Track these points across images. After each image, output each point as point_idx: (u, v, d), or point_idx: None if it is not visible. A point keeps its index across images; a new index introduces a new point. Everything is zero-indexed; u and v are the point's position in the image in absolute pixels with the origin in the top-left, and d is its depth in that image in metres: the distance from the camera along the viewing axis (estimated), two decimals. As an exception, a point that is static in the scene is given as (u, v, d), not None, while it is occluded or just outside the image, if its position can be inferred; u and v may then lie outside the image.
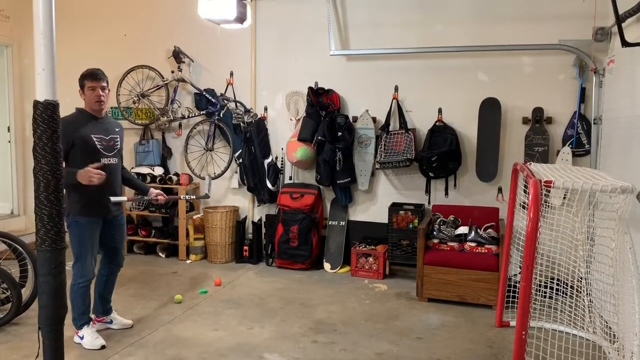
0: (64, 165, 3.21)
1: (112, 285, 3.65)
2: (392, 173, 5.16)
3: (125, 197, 3.46)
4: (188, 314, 3.99)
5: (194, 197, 5.22)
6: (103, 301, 3.62)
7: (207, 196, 5.18)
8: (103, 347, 3.34)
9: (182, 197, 4.85)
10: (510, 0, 4.69)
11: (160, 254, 5.67)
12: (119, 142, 3.42)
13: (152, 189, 3.69)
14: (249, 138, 5.31)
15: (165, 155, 5.84)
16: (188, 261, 5.49)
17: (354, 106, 5.22)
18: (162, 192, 3.71)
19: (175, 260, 5.51)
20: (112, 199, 3.33)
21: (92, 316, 3.56)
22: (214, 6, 4.11)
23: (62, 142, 3.13)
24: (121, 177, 3.54)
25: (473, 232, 4.40)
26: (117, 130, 3.45)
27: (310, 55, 5.30)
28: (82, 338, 3.37)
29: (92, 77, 3.24)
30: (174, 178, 5.61)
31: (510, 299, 3.79)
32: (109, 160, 3.31)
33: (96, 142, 3.25)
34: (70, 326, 3.34)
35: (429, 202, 5.01)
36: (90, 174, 3.11)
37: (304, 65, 5.34)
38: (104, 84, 3.28)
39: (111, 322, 3.64)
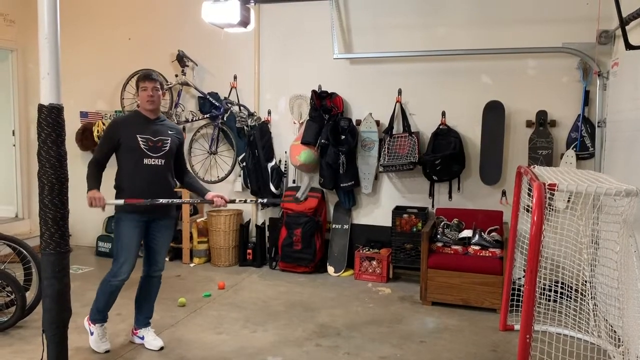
0: (117, 166, 3.31)
1: (147, 293, 3.45)
2: (396, 176, 5.15)
3: (122, 200, 3.20)
4: (191, 317, 3.99)
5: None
6: (136, 307, 3.47)
7: (297, 200, 4.40)
8: (107, 351, 3.33)
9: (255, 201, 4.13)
10: (513, 3, 4.69)
11: (164, 257, 5.67)
12: (167, 144, 3.31)
13: (210, 192, 3.45)
14: (252, 141, 5.32)
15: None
16: (192, 264, 5.50)
17: (357, 109, 5.22)
18: (221, 195, 3.42)
19: (179, 264, 5.52)
20: (109, 202, 3.20)
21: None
22: (217, 10, 4.12)
23: (106, 141, 3.29)
24: (184, 182, 3.54)
25: (477, 236, 4.39)
26: (170, 132, 3.37)
27: (314, 59, 5.31)
28: (92, 334, 3.36)
29: (144, 78, 3.29)
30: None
31: (515, 303, 3.76)
32: (153, 161, 3.27)
33: (140, 142, 3.23)
34: (75, 329, 3.35)
35: (433, 206, 5.00)
36: (92, 198, 3.10)
37: (307, 69, 5.35)
38: (157, 85, 3.30)
39: (142, 337, 3.44)
